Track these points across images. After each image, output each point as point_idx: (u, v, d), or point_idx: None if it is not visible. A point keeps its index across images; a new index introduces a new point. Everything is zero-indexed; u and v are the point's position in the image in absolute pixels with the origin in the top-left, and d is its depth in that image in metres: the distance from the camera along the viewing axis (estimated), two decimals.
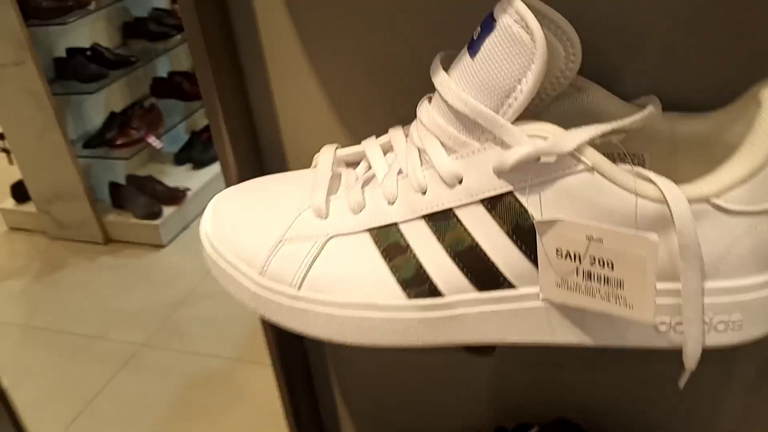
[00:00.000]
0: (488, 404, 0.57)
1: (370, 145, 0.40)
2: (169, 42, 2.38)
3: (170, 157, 2.48)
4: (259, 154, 0.50)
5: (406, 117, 0.42)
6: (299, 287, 0.38)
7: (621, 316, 0.33)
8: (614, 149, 0.36)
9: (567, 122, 0.36)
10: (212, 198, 0.43)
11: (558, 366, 0.53)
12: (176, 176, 2.38)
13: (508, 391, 0.56)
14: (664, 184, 0.32)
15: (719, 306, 0.34)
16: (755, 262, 0.33)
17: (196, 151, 2.45)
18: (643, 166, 0.38)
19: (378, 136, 0.41)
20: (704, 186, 0.32)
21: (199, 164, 2.43)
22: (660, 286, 0.34)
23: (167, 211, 2.19)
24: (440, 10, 0.41)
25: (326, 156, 0.41)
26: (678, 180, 0.33)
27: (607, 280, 0.33)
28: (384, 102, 0.45)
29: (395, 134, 0.39)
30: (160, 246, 2.16)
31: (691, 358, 0.34)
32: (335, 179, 0.40)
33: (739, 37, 0.37)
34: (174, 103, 2.41)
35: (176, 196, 2.24)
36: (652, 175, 0.33)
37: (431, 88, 0.37)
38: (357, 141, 0.43)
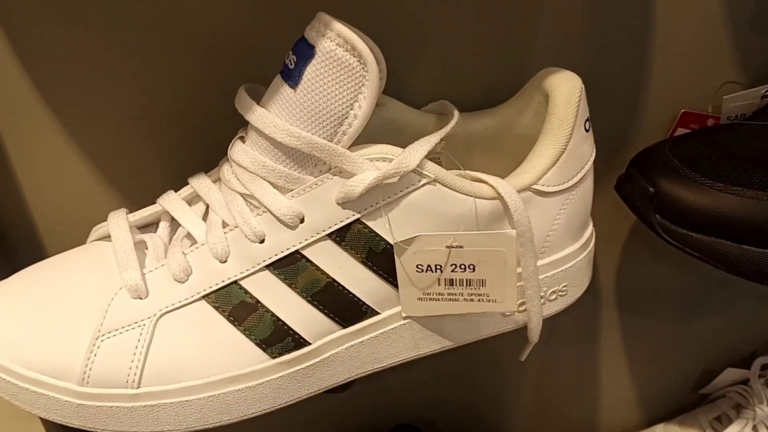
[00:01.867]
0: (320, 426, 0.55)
1: (172, 201, 0.35)
2: None
3: None
4: (6, 244, 0.40)
5: (182, 170, 0.38)
6: (138, 385, 0.32)
7: (486, 311, 0.35)
8: (435, 155, 0.37)
9: (373, 137, 0.36)
10: None
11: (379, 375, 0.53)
12: None
13: (333, 410, 0.54)
14: (495, 181, 0.34)
15: (550, 279, 0.37)
16: (569, 234, 0.37)
17: None
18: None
19: (150, 198, 0.37)
20: (525, 176, 0.35)
21: None
22: None
23: None
24: (212, 40, 0.38)
25: (119, 224, 0.35)
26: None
27: (469, 283, 0.34)
28: (153, 155, 0.40)
29: (201, 184, 0.35)
30: None
31: (534, 332, 0.37)
32: (139, 247, 0.34)
33: (504, 41, 0.41)
34: None
35: None
36: (482, 175, 0.34)
37: (210, 133, 0.34)
38: (125, 205, 0.37)
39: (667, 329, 0.55)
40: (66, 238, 0.41)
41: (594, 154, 0.37)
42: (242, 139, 0.34)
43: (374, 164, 0.32)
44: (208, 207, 0.35)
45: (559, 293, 0.38)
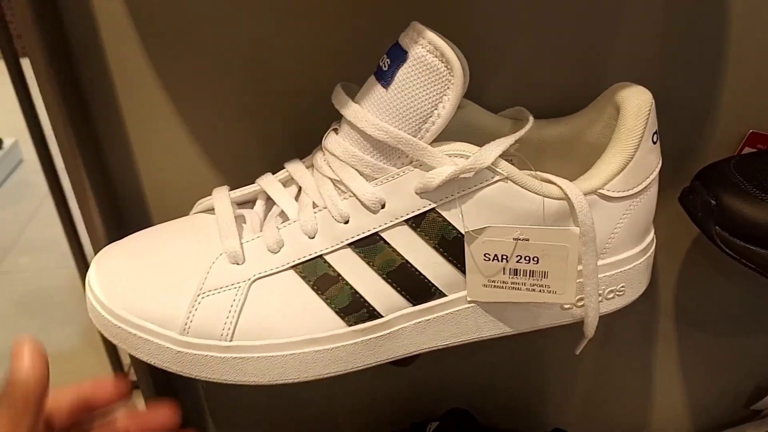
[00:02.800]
0: (372, 411, 0.59)
1: (269, 182, 0.40)
2: None
3: None
4: (119, 209, 0.46)
5: (279, 156, 0.42)
6: (231, 338, 0.36)
7: (546, 302, 0.38)
8: (509, 156, 0.40)
9: (453, 137, 0.39)
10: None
11: (437, 360, 0.56)
12: None
13: (387, 394, 0.58)
14: (563, 183, 0.37)
15: (609, 279, 0.40)
16: (630, 238, 0.40)
17: None
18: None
19: (249, 179, 0.41)
20: (592, 180, 0.38)
21: None
22: None
23: None
24: (313, 43, 0.42)
25: (222, 198, 0.40)
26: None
27: (532, 274, 0.37)
28: (255, 142, 0.45)
29: (296, 168, 0.39)
30: None
31: (590, 327, 0.40)
32: (237, 220, 0.39)
33: (580, 55, 0.43)
34: None
35: None
36: (552, 177, 0.37)
37: (306, 124, 0.38)
38: (227, 184, 0.42)
39: (721, 342, 0.56)
40: (171, 210, 0.46)
41: (659, 166, 0.40)
42: (336, 130, 0.38)
43: (452, 159, 0.35)
44: (300, 189, 0.39)
45: (617, 293, 0.41)
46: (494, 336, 0.40)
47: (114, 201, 0.46)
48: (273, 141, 0.45)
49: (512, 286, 0.37)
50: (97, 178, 0.43)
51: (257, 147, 0.45)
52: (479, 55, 0.42)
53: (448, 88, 0.34)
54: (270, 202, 0.40)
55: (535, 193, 0.36)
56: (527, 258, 0.37)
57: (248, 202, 0.41)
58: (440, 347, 0.40)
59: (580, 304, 0.40)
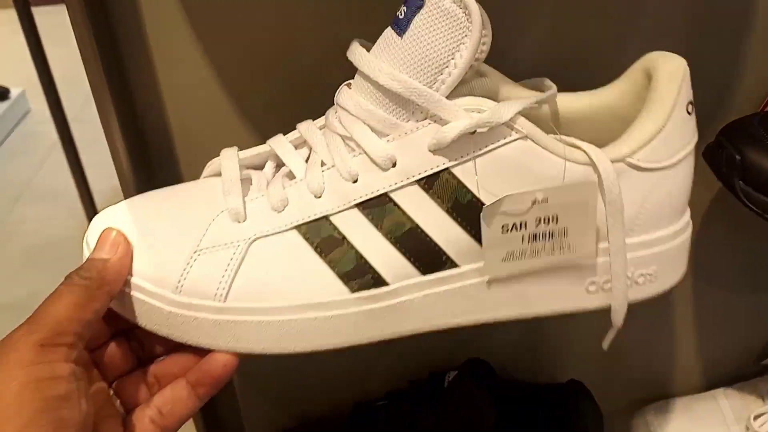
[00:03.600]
0: (392, 362, 0.57)
1: (279, 143, 0.38)
2: None
3: None
4: (149, 160, 0.45)
5: (301, 115, 0.40)
6: (225, 299, 0.34)
7: (566, 262, 0.35)
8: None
9: None
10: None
11: None
12: None
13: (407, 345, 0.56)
14: (589, 147, 0.34)
15: (639, 260, 0.37)
16: (663, 215, 0.37)
17: None
18: None
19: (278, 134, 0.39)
20: (621, 147, 0.35)
21: None
22: None
23: None
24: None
25: (229, 157, 0.38)
26: None
27: (551, 235, 0.34)
28: (283, 100, 0.43)
29: (306, 128, 0.37)
30: None
31: (618, 314, 0.37)
32: (245, 183, 0.37)
33: (607, 25, 0.42)
34: None
35: None
36: (576, 141, 0.35)
37: (332, 84, 0.36)
38: (256, 143, 0.40)
39: (736, 300, 0.58)
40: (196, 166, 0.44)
41: (696, 139, 0.37)
42: (349, 85, 0.36)
43: (468, 114, 0.33)
44: (311, 150, 0.37)
45: (648, 277, 0.37)
46: (512, 317, 0.37)
47: (144, 149, 0.45)
48: (288, 103, 0.43)
49: (531, 253, 0.35)
50: (128, 124, 0.43)
51: (269, 110, 0.44)
52: (504, 20, 0.40)
53: (465, 35, 0.32)
54: (280, 165, 0.38)
55: (557, 155, 0.34)
56: (546, 219, 0.34)
57: (260, 166, 0.40)
58: (452, 326, 0.36)
59: (607, 286, 0.37)
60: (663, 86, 0.35)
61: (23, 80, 1.81)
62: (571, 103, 0.40)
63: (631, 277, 0.37)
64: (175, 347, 0.37)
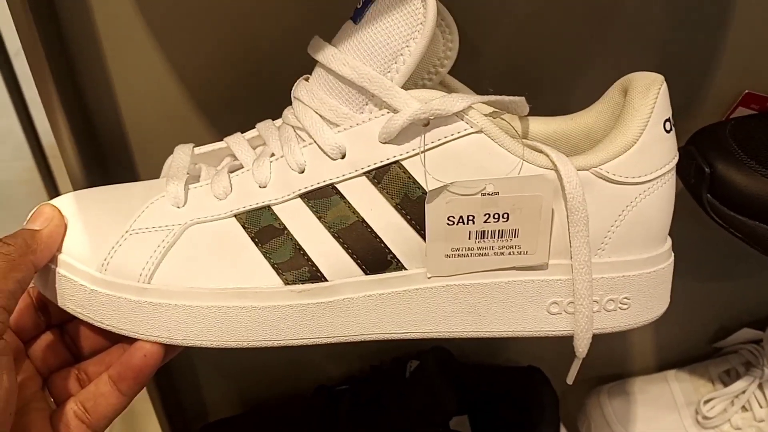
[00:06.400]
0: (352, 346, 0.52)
1: (234, 138, 0.37)
2: None
3: None
4: (104, 163, 0.44)
5: (263, 116, 0.38)
6: (149, 280, 0.32)
7: (516, 265, 0.32)
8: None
9: None
10: None
11: None
12: None
13: None
14: (551, 150, 0.32)
15: (608, 282, 0.33)
16: (637, 238, 0.33)
17: None
18: None
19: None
20: (588, 157, 0.33)
21: None
22: (551, 261, 0.33)
23: None
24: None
25: (182, 150, 0.37)
26: None
27: (501, 234, 0.32)
28: (244, 101, 0.42)
29: (263, 125, 0.36)
30: None
31: (581, 341, 0.33)
32: (193, 176, 0.36)
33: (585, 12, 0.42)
34: None
35: None
36: (539, 144, 0.33)
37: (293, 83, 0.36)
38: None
39: (692, 286, 0.57)
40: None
41: (675, 160, 0.34)
42: (307, 79, 0.35)
43: (420, 103, 0.32)
44: (265, 146, 0.36)
45: (620, 305, 0.33)
46: (466, 335, 0.33)
47: (96, 151, 0.44)
48: (264, 96, 0.42)
49: (479, 251, 0.32)
50: (79, 127, 0.41)
51: (232, 114, 0.42)
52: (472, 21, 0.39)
53: (421, 23, 0.31)
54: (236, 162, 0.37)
55: (515, 155, 0.32)
56: (496, 216, 0.31)
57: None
58: (396, 336, 0.33)
59: (570, 309, 0.33)
60: (637, 100, 0.33)
61: None
62: (546, 126, 0.38)
63: (598, 301, 0.33)
64: (108, 344, 0.35)
